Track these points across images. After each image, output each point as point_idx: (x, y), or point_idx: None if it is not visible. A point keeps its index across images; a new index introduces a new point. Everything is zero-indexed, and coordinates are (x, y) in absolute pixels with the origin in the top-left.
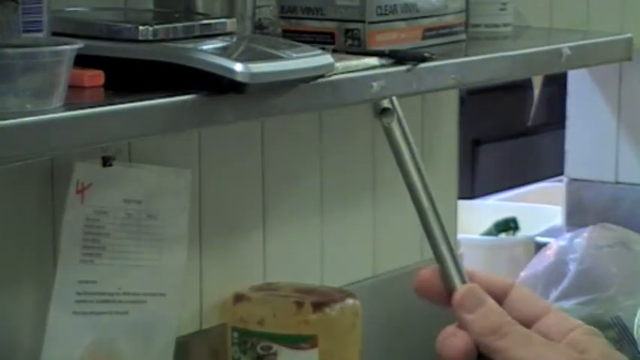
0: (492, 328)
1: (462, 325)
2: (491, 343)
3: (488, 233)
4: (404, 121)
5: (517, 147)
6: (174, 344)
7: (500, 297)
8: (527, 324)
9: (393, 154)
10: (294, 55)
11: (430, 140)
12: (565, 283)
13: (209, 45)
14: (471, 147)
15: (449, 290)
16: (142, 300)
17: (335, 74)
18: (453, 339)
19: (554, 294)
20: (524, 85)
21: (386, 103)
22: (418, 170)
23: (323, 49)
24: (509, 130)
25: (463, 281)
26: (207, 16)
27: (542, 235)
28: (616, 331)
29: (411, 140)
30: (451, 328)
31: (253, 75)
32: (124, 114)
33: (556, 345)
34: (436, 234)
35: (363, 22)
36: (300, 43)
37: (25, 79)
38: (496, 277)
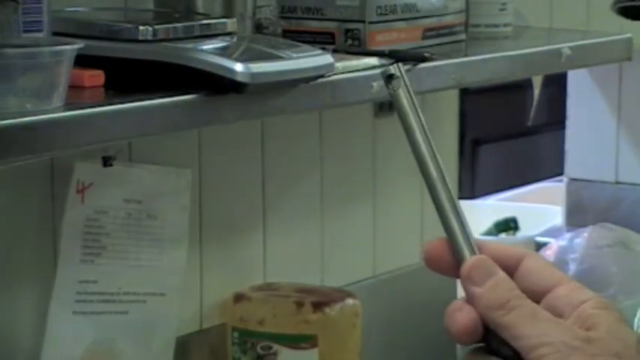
0: (500, 302)
1: (469, 299)
2: (498, 318)
3: (489, 233)
4: (411, 88)
5: (517, 147)
6: (174, 344)
7: (512, 267)
8: (539, 295)
9: (400, 122)
10: (294, 55)
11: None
12: None
13: (209, 45)
14: (471, 147)
15: (458, 262)
16: (141, 300)
17: (335, 74)
18: (459, 314)
19: None
20: (524, 85)
21: (392, 69)
22: (426, 138)
23: (323, 49)
24: (510, 130)
25: (473, 252)
26: (207, 16)
27: (542, 235)
28: None
29: (418, 108)
30: (458, 302)
31: (253, 75)
32: (124, 114)
33: (561, 322)
34: (444, 204)
35: (363, 22)
36: (300, 43)
37: (25, 79)
38: (508, 247)
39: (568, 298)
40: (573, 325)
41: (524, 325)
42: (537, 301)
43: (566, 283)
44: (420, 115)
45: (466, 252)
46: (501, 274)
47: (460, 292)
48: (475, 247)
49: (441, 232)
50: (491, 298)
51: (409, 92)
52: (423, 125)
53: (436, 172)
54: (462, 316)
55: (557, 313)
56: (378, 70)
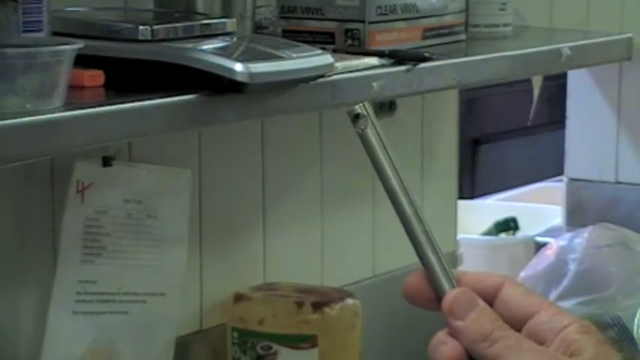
0: (483, 335)
1: (453, 333)
2: (482, 350)
3: (488, 233)
4: (378, 126)
5: (517, 147)
6: (174, 344)
7: (491, 295)
8: (521, 322)
9: (370, 161)
10: (294, 55)
11: (430, 140)
12: (565, 283)
13: (209, 45)
14: (471, 147)
15: (438, 295)
16: (141, 300)
17: (335, 74)
18: (444, 347)
19: (554, 294)
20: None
21: (358, 109)
22: (397, 175)
23: (323, 49)
24: (509, 130)
25: (452, 285)
26: (207, 16)
27: (542, 235)
28: (616, 331)
29: (387, 145)
30: (441, 335)
31: (253, 75)
32: (124, 114)
33: (545, 350)
34: (420, 239)
35: (363, 22)
36: (300, 43)
37: (25, 79)
38: (486, 275)
39: (550, 324)
40: (557, 350)
41: (509, 355)
42: (519, 328)
43: (546, 309)
44: (389, 151)
45: (445, 285)
46: (482, 305)
47: None
48: (454, 279)
49: (440, 232)
50: (474, 330)
51: (376, 130)
52: (392, 162)
53: (409, 207)
54: (446, 350)
55: (540, 339)
56: (378, 71)
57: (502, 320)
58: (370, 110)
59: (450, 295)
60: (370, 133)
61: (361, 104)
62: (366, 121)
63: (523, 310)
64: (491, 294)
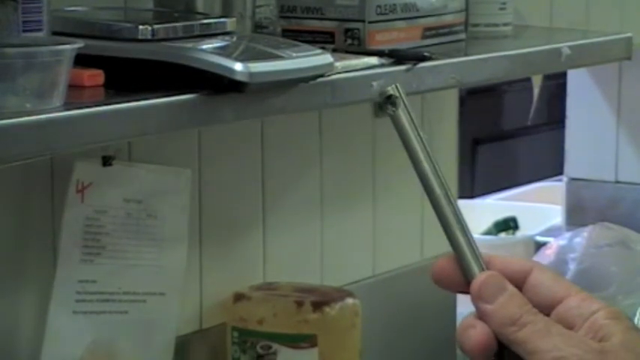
0: (512, 319)
1: (481, 316)
2: (511, 334)
3: (488, 233)
4: (410, 108)
5: (517, 147)
6: (173, 343)
7: (520, 281)
8: (549, 307)
9: (402, 143)
10: (294, 54)
11: (430, 140)
12: None
13: (209, 44)
14: (471, 147)
15: (467, 278)
16: (141, 299)
17: (335, 74)
18: (471, 331)
19: None
20: (524, 85)
21: (391, 91)
22: (428, 157)
23: (323, 48)
24: (509, 129)
25: (481, 268)
26: (206, 16)
27: (542, 234)
28: None
29: (418, 127)
30: (470, 319)
31: (253, 74)
32: (124, 114)
33: (574, 335)
34: (450, 221)
35: (362, 21)
36: (299, 43)
37: (25, 79)
38: (515, 259)
39: (578, 309)
40: (585, 335)
41: (538, 339)
42: (547, 313)
43: (575, 294)
44: (421, 133)
45: (475, 268)
46: (511, 289)
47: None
48: (483, 263)
49: (440, 232)
50: (503, 314)
51: (408, 112)
52: (424, 143)
53: (439, 189)
54: (475, 334)
55: (568, 325)
56: (377, 70)
57: (531, 305)
58: (403, 92)
59: (479, 278)
60: (402, 115)
61: (393, 86)
62: (399, 103)
63: (552, 295)
64: (520, 279)
